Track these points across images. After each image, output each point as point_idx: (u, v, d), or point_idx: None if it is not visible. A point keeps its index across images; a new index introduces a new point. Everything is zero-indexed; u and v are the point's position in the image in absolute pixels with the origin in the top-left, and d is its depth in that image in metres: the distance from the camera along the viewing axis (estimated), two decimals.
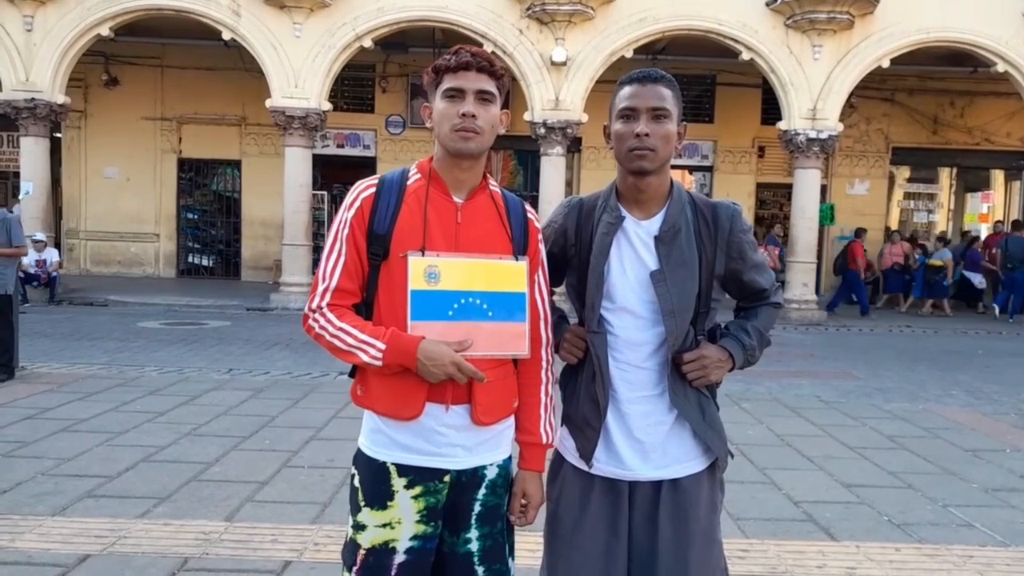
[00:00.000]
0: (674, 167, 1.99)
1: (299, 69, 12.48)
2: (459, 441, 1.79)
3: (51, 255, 12.50)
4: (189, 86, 15.57)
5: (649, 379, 1.90)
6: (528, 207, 1.94)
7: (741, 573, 3.26)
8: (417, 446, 1.78)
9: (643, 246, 1.89)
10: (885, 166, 16.49)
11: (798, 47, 12.55)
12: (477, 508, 1.83)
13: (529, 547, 3.31)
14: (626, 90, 1.88)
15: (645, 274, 1.87)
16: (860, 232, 14.52)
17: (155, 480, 4.24)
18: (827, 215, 14.30)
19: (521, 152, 15.76)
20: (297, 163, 12.80)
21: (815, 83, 12.57)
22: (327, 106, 12.78)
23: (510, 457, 1.91)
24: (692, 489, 1.90)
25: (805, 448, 5.28)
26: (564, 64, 12.48)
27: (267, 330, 10.26)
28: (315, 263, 12.05)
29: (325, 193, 15.70)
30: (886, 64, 12.71)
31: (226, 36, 12.59)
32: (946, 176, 17.37)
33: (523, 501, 1.90)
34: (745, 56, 12.69)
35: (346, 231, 1.79)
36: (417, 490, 1.78)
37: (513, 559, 1.93)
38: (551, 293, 2.06)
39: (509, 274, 1.82)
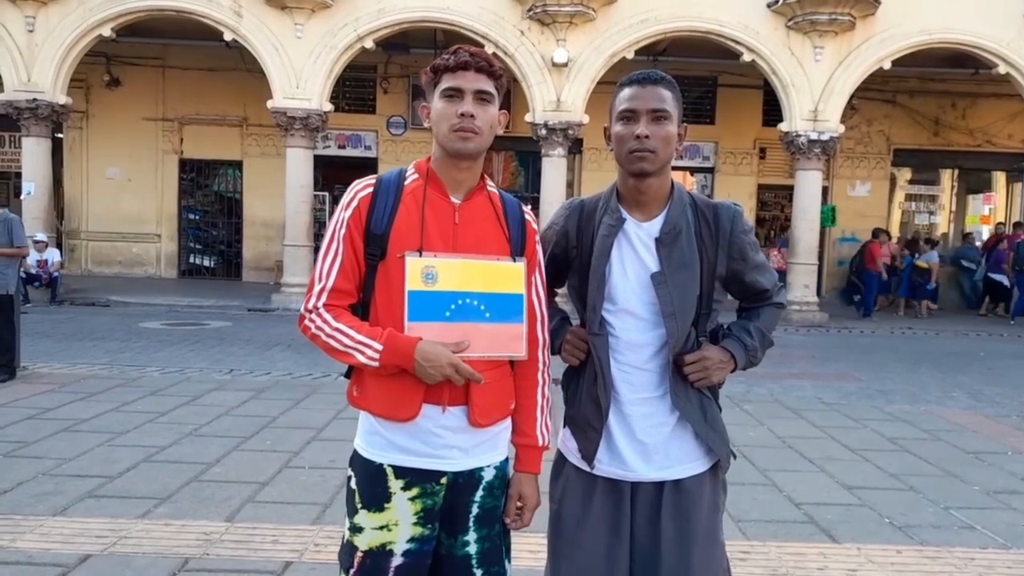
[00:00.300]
0: (675, 169, 1.98)
1: (300, 70, 12.49)
2: (456, 443, 1.78)
3: (52, 255, 12.52)
4: (190, 87, 15.58)
5: (651, 381, 1.90)
6: (525, 208, 1.93)
7: (743, 575, 3.25)
8: (414, 448, 1.77)
9: (644, 248, 1.89)
10: (886, 168, 16.48)
11: (799, 48, 12.55)
12: (475, 510, 1.82)
13: (531, 548, 3.31)
14: (626, 92, 1.88)
15: (646, 276, 1.87)
16: (877, 233, 14.53)
17: (156, 480, 4.24)
18: (828, 217, 14.29)
19: (522, 153, 15.77)
20: (298, 164, 12.81)
21: (816, 84, 12.56)
22: (328, 107, 12.79)
23: (507, 459, 1.90)
24: (694, 490, 1.90)
25: (806, 450, 5.27)
26: (565, 65, 12.48)
27: (268, 331, 10.26)
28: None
29: (326, 194, 15.71)
30: (887, 66, 12.70)
31: (227, 37, 12.59)
32: (947, 178, 17.35)
33: (519, 504, 1.89)
34: (746, 57, 12.69)
35: (343, 231, 1.78)
36: (414, 492, 1.77)
37: (510, 561, 1.92)
38: (552, 295, 2.06)
39: (506, 275, 1.81)
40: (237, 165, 16.25)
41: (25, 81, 12.40)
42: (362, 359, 1.73)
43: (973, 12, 12.39)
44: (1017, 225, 15.08)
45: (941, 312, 14.63)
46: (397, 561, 1.77)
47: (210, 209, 16.74)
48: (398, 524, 1.77)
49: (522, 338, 1.83)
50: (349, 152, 16.10)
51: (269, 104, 12.64)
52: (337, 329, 1.75)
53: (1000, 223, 16.29)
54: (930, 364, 9.34)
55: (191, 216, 16.59)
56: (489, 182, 1.89)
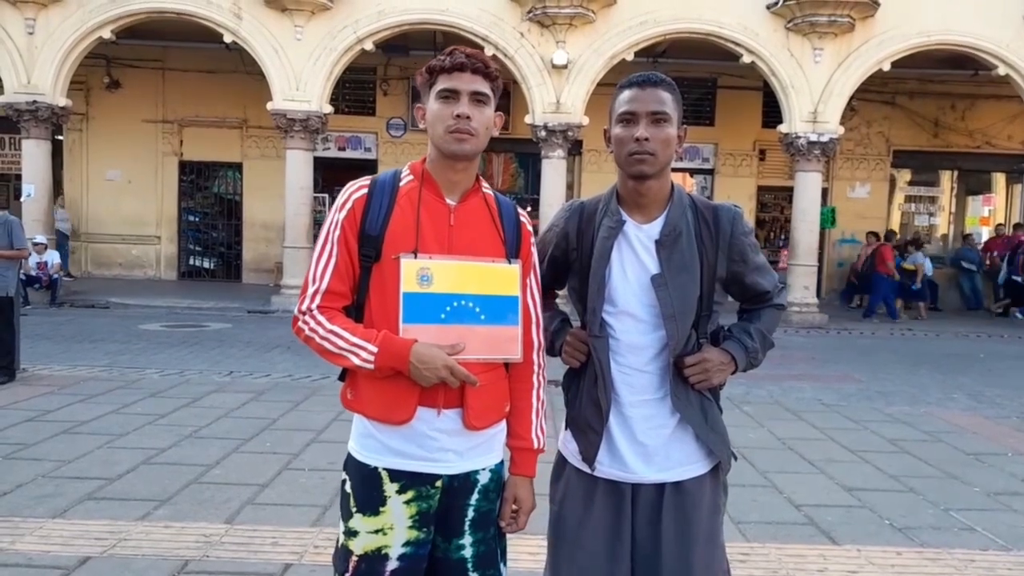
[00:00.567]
0: (675, 170, 1.98)
1: (300, 72, 12.50)
2: (451, 446, 1.77)
3: (52, 257, 12.51)
4: (190, 89, 15.58)
5: (651, 383, 1.90)
6: (520, 210, 1.92)
7: None
8: (409, 451, 1.76)
9: (644, 250, 1.89)
10: (886, 169, 16.49)
11: (799, 50, 12.56)
12: (471, 514, 1.81)
13: (531, 550, 3.31)
14: (625, 94, 1.88)
15: (646, 278, 1.87)
16: (890, 235, 14.52)
17: (156, 482, 4.24)
18: (828, 218, 14.30)
19: (522, 155, 15.75)
20: (298, 166, 12.81)
21: (816, 86, 12.57)
22: (328, 109, 12.79)
23: (502, 461, 1.89)
24: (695, 491, 1.90)
25: (806, 451, 5.27)
26: (565, 67, 12.48)
27: (268, 332, 10.26)
28: None
29: (326, 196, 15.68)
30: (887, 67, 12.70)
31: (227, 39, 12.59)
32: (947, 179, 17.35)
33: (514, 507, 1.88)
34: (746, 59, 12.69)
35: (337, 232, 1.77)
36: (409, 495, 1.76)
37: (505, 564, 1.91)
38: (553, 297, 2.06)
39: (502, 277, 1.80)
40: (237, 167, 16.24)
41: (25, 83, 12.40)
42: (357, 361, 1.71)
43: (972, 13, 12.39)
44: (1017, 226, 15.08)
45: (941, 314, 14.63)
46: (393, 565, 1.75)
47: (210, 211, 16.74)
48: (393, 528, 1.76)
49: (517, 340, 1.82)
50: (349, 154, 16.09)
51: (269, 106, 12.64)
52: (331, 331, 1.73)
53: (1000, 224, 16.30)
54: (930, 365, 9.33)
55: (191, 218, 16.58)
56: (484, 184, 1.88)
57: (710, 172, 16.33)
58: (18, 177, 14.03)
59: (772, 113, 14.08)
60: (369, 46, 12.64)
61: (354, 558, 1.77)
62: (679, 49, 13.75)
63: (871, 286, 13.97)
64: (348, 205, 1.78)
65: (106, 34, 12.49)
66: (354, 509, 1.79)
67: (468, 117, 1.74)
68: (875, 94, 15.16)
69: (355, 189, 1.81)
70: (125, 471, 4.42)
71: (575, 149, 14.80)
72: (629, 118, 1.85)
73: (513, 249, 1.84)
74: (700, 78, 15.34)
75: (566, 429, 2.02)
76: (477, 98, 1.76)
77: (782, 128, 12.87)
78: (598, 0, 12.24)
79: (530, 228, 1.91)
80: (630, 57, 12.66)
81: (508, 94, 14.38)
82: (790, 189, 13.69)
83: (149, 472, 4.44)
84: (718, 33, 12.53)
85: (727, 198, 14.40)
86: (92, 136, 15.84)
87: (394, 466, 1.76)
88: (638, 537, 1.89)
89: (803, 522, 4.00)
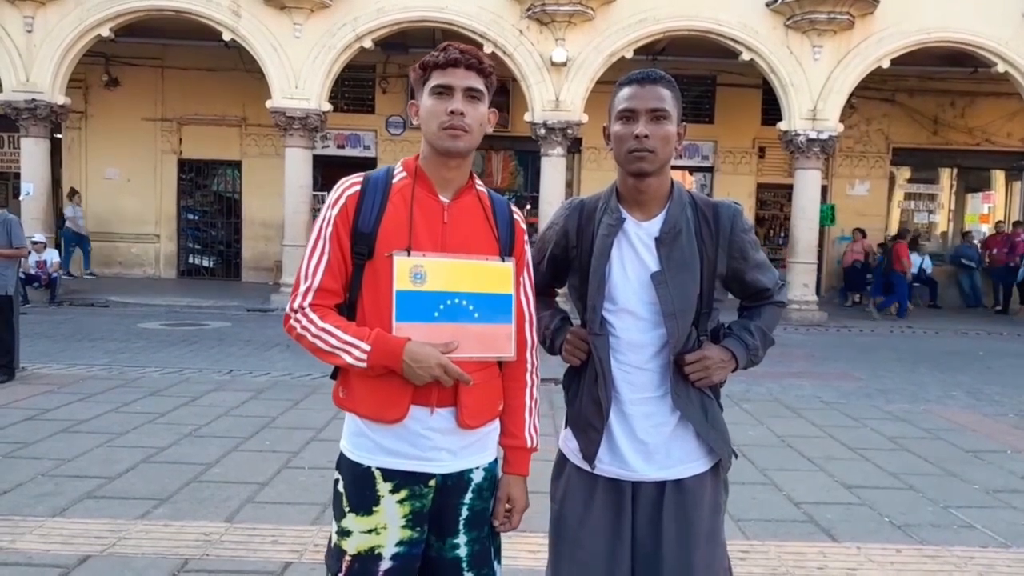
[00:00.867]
0: (674, 168, 1.98)
1: (299, 70, 12.49)
2: (444, 444, 1.76)
3: (51, 256, 12.50)
4: (189, 87, 15.56)
5: (651, 380, 1.89)
6: (514, 208, 1.91)
7: (742, 574, 3.25)
8: (402, 450, 1.75)
9: (644, 247, 1.88)
10: (885, 167, 16.48)
11: (798, 47, 12.55)
12: (464, 513, 1.80)
13: (530, 548, 3.31)
14: (625, 91, 1.87)
15: (646, 275, 1.87)
16: (903, 233, 14.53)
17: (155, 481, 4.24)
18: (828, 216, 14.30)
19: (521, 153, 15.75)
20: (297, 164, 12.80)
21: (815, 83, 12.56)
22: (327, 107, 12.78)
23: (496, 460, 1.88)
24: (695, 490, 1.90)
25: (806, 449, 5.27)
26: (564, 65, 12.48)
27: (268, 331, 10.25)
28: None
29: (325, 194, 15.62)
30: (886, 64, 12.69)
31: (226, 37, 12.58)
32: (947, 176, 17.35)
33: (508, 506, 1.86)
34: (745, 57, 12.69)
35: (330, 229, 1.76)
36: (402, 495, 1.75)
37: (500, 562, 1.90)
38: (553, 295, 2.05)
39: (495, 275, 1.79)
40: (236, 165, 16.23)
41: (24, 81, 12.39)
42: (349, 360, 1.70)
43: (972, 11, 12.39)
44: (1017, 224, 15.09)
45: (940, 311, 14.63)
46: (386, 565, 1.74)
47: (209, 209, 16.73)
48: (387, 527, 1.74)
49: (511, 339, 1.81)
50: (348, 152, 16.09)
51: (268, 104, 12.63)
52: (323, 329, 1.72)
53: (1000, 221, 16.30)
54: (929, 363, 9.34)
55: (190, 216, 16.57)
56: (478, 181, 1.87)
57: (710, 170, 16.33)
58: (17, 176, 14.02)
59: (771, 111, 14.07)
60: (368, 44, 12.63)
61: (347, 558, 1.76)
62: (678, 47, 13.73)
63: (889, 285, 13.90)
64: (341, 202, 1.77)
65: (105, 32, 12.47)
66: (347, 509, 1.78)
67: (462, 113, 1.72)
68: (874, 91, 15.16)
69: (348, 186, 1.79)
70: (125, 470, 4.42)
71: (574, 147, 14.80)
72: (629, 115, 1.85)
73: (507, 247, 1.82)
74: (699, 76, 15.33)
75: (566, 427, 2.02)
76: (471, 94, 1.75)
77: (781, 126, 12.86)
78: None
79: (523, 226, 1.90)
80: (629, 55, 12.65)
81: (507, 92, 14.39)
82: (790, 187, 13.69)
83: (149, 471, 4.44)
84: (717, 31, 12.52)
85: (727, 196, 14.33)
86: (91, 134, 15.83)
87: (387, 465, 1.75)
88: (639, 535, 1.89)
89: (803, 520, 4.00)
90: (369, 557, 1.74)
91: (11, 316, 6.85)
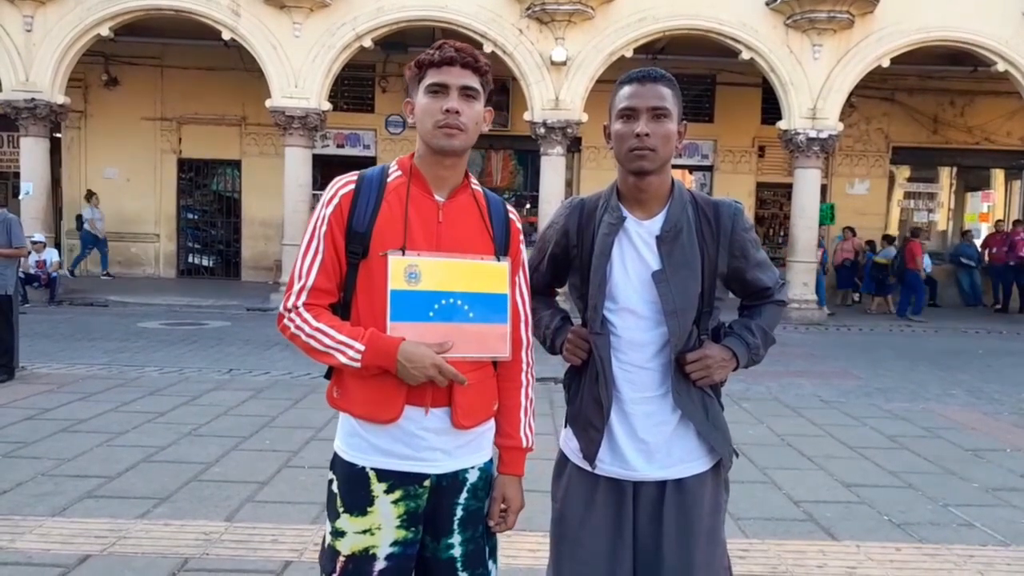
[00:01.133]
0: (674, 167, 1.97)
1: (299, 69, 12.48)
2: (439, 445, 1.75)
3: (51, 256, 12.50)
4: (189, 86, 15.56)
5: (652, 379, 1.89)
6: (509, 207, 1.91)
7: (742, 573, 3.25)
8: (396, 450, 1.74)
9: (645, 246, 1.88)
10: (885, 165, 16.48)
11: (798, 46, 12.55)
12: (459, 513, 1.79)
13: (530, 547, 3.32)
14: (626, 90, 1.87)
15: (647, 274, 1.86)
16: (916, 232, 14.54)
17: (155, 480, 4.24)
18: (827, 215, 14.30)
19: (521, 152, 15.75)
20: (297, 163, 12.80)
21: (815, 82, 12.56)
22: (327, 106, 12.77)
23: (491, 460, 1.87)
24: (696, 489, 1.89)
25: (805, 448, 5.28)
26: (564, 64, 12.47)
27: (267, 330, 10.24)
28: None
29: None
30: (886, 63, 12.69)
31: (226, 36, 12.58)
32: (946, 175, 17.36)
33: (503, 506, 1.86)
34: (745, 56, 12.69)
35: (324, 228, 1.74)
36: (397, 495, 1.74)
37: (495, 562, 1.89)
38: (553, 294, 2.05)
39: (491, 275, 1.78)
40: (236, 164, 16.23)
41: (23, 81, 12.38)
42: (343, 359, 1.69)
43: (972, 10, 12.39)
44: (1016, 222, 15.09)
45: (940, 310, 14.63)
46: (380, 565, 1.73)
47: (209, 208, 16.74)
48: (381, 528, 1.74)
49: (506, 338, 1.80)
50: (348, 151, 16.09)
51: (268, 103, 12.63)
52: (317, 329, 1.71)
53: (999, 220, 16.31)
54: (929, 362, 9.34)
55: (190, 216, 16.58)
56: (473, 180, 1.86)
57: (709, 169, 16.33)
58: (16, 175, 14.01)
59: (771, 110, 14.07)
60: (368, 43, 12.62)
61: (341, 558, 1.75)
62: (678, 45, 13.73)
63: (905, 284, 13.86)
64: (335, 201, 1.75)
65: (104, 31, 12.47)
66: (341, 509, 1.77)
67: (457, 112, 1.71)
68: (874, 90, 15.16)
69: (342, 184, 1.77)
70: (124, 469, 4.42)
71: (574, 146, 14.80)
72: (629, 114, 1.85)
73: (502, 246, 1.82)
74: (699, 74, 15.33)
75: (567, 427, 2.02)
76: (467, 93, 1.74)
77: (781, 124, 12.86)
78: None
79: (519, 225, 1.90)
80: (629, 54, 12.65)
81: (507, 91, 14.39)
82: (789, 186, 13.69)
83: (149, 470, 4.44)
84: (717, 30, 12.52)
85: (726, 194, 14.35)
86: (90, 134, 15.82)
87: (381, 465, 1.74)
88: (639, 535, 1.89)
89: (802, 518, 4.00)
90: (363, 558, 1.74)
91: (11, 316, 6.85)
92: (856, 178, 16.33)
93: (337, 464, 1.82)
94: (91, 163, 15.84)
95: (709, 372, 1.87)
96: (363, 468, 1.76)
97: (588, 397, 1.91)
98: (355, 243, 1.72)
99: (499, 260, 1.80)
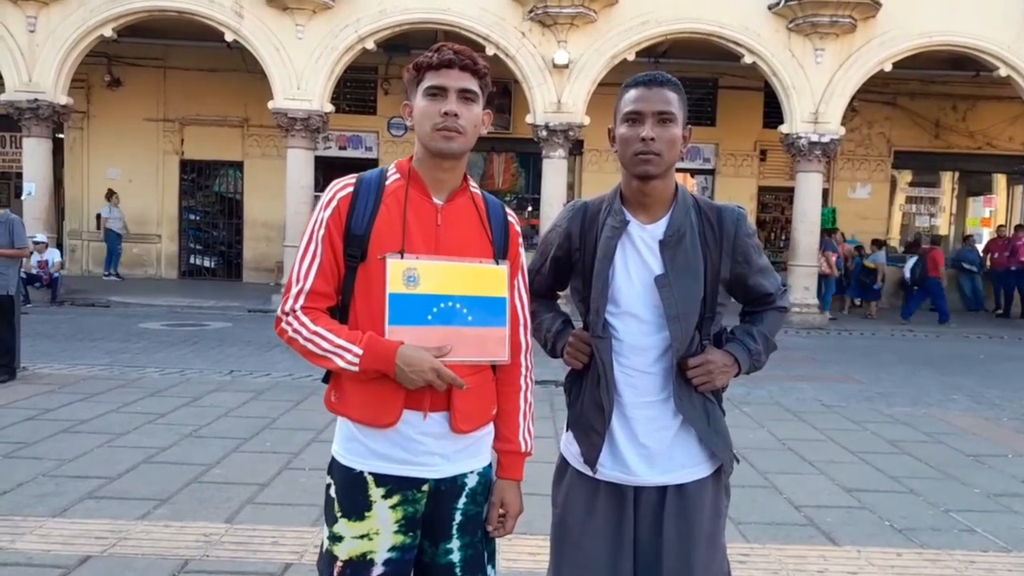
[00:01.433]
0: (676, 171, 1.97)
1: (301, 71, 12.50)
2: (437, 449, 1.74)
3: (53, 256, 12.51)
4: (191, 87, 15.58)
5: (654, 384, 1.89)
6: (508, 210, 1.90)
7: None
8: (394, 455, 1.73)
9: (648, 250, 1.88)
10: (887, 170, 16.49)
11: (800, 50, 12.56)
12: (458, 518, 1.79)
13: (530, 551, 3.31)
14: (631, 93, 1.86)
15: (650, 278, 1.86)
16: (937, 240, 14.54)
17: (156, 482, 4.24)
18: (829, 219, 14.30)
19: (523, 155, 15.75)
20: (299, 165, 12.81)
21: (817, 87, 12.57)
22: (329, 108, 12.79)
23: (490, 464, 1.87)
24: (697, 494, 1.89)
25: (806, 452, 5.27)
26: (566, 67, 12.48)
27: (268, 332, 10.20)
28: None
29: None
30: (888, 68, 12.71)
31: (228, 37, 12.60)
32: (948, 180, 17.35)
33: (501, 511, 1.85)
34: (747, 59, 12.69)
35: (322, 231, 1.73)
36: (395, 500, 1.73)
37: (494, 567, 1.88)
38: (555, 297, 2.05)
39: (489, 278, 1.77)
40: (238, 166, 16.25)
41: (26, 81, 12.40)
42: (341, 363, 1.68)
43: (974, 14, 12.40)
44: (1018, 227, 15.09)
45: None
46: (378, 571, 1.73)
47: (211, 210, 16.75)
48: (379, 533, 1.73)
49: (505, 342, 1.79)
50: (350, 153, 16.11)
51: (270, 105, 12.64)
52: (315, 332, 1.70)
53: (1001, 225, 16.31)
54: (930, 366, 9.33)
55: (192, 217, 16.59)
56: (472, 183, 1.85)
57: (711, 172, 16.33)
58: (19, 175, 14.03)
59: (773, 114, 14.08)
60: (370, 45, 12.64)
61: (339, 563, 1.74)
62: (680, 49, 13.75)
63: (930, 292, 13.81)
64: (333, 203, 1.74)
65: (107, 32, 12.49)
66: (339, 514, 1.76)
67: (456, 115, 1.71)
68: (876, 95, 15.16)
69: (340, 187, 1.77)
70: (125, 470, 4.42)
71: (576, 149, 14.80)
72: (635, 118, 1.84)
73: (501, 250, 1.81)
74: (701, 78, 15.33)
75: (568, 431, 2.01)
76: (465, 95, 1.73)
77: (783, 128, 12.87)
78: (599, 0, 12.23)
79: (518, 228, 1.89)
80: (631, 57, 12.66)
81: (509, 94, 14.40)
82: (791, 190, 13.70)
83: (149, 471, 4.44)
84: (719, 33, 12.53)
85: (728, 199, 14.31)
86: (93, 134, 15.84)
87: (379, 470, 1.73)
88: (640, 540, 1.88)
89: (803, 523, 4.00)
90: (361, 563, 1.73)
91: (12, 316, 6.85)
92: (858, 182, 16.34)
93: (335, 469, 1.80)
94: (93, 164, 15.87)
95: (711, 377, 1.87)
96: (361, 473, 1.74)
97: (589, 401, 1.91)
98: (353, 246, 1.71)
99: (498, 263, 1.79)
